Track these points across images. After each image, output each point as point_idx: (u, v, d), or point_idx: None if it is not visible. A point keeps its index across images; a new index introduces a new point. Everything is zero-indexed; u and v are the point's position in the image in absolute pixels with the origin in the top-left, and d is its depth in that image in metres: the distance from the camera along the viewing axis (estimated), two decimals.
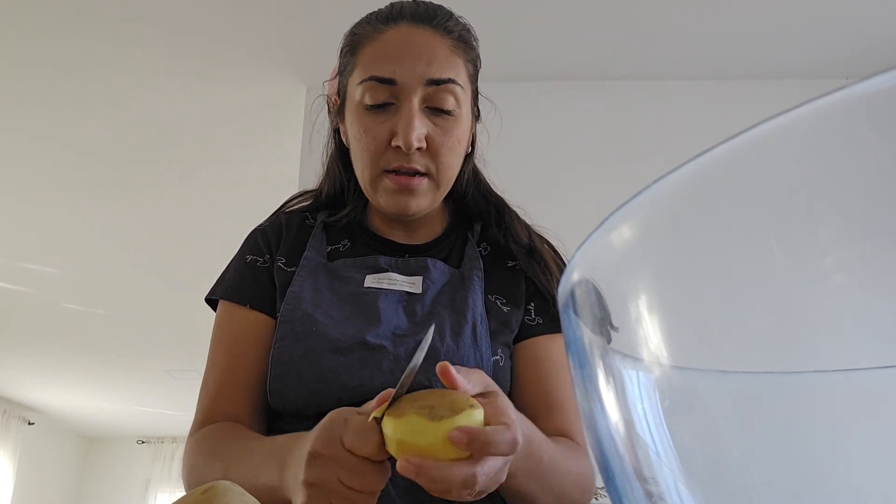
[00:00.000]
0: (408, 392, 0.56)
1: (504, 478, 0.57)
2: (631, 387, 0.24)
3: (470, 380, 0.59)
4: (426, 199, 0.85)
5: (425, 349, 0.55)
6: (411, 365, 0.55)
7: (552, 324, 0.87)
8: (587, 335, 0.25)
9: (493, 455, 0.53)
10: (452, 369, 0.57)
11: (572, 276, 0.26)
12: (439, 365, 0.57)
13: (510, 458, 0.56)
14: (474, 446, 0.51)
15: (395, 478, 0.71)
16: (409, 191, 0.83)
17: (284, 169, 2.70)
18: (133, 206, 3.28)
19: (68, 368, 5.64)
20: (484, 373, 0.63)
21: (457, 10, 0.90)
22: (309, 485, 0.56)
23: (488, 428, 0.53)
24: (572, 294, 0.26)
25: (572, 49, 2.39)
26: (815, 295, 0.21)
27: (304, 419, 0.78)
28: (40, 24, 2.27)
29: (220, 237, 3.50)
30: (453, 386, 0.57)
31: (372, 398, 0.75)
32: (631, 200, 0.23)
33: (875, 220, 0.20)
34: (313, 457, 0.56)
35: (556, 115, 2.46)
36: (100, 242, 3.62)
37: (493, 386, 0.62)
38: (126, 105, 2.64)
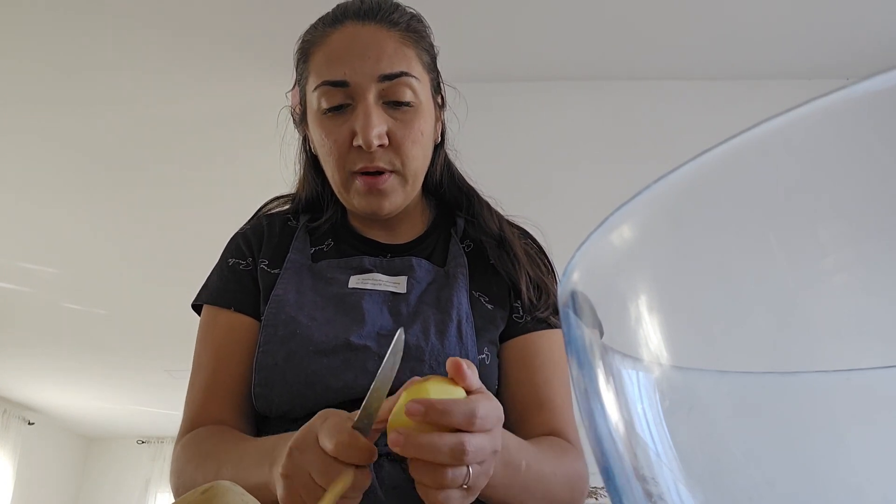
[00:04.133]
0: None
1: (491, 470, 0.57)
2: (631, 387, 0.24)
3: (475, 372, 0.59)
4: (397, 197, 0.85)
5: (399, 354, 0.56)
6: (382, 373, 0.55)
7: (539, 321, 0.86)
8: (587, 335, 0.25)
9: (450, 423, 0.53)
10: (464, 367, 0.57)
11: (572, 276, 0.26)
12: (451, 363, 0.57)
13: (498, 445, 0.57)
14: (431, 415, 0.52)
15: (383, 478, 0.71)
16: (379, 191, 0.83)
17: (285, 170, 2.70)
18: (133, 206, 3.28)
19: (68, 368, 5.64)
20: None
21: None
22: (285, 476, 0.57)
23: (444, 399, 0.54)
24: (572, 294, 0.26)
25: (571, 49, 2.39)
26: (816, 295, 0.21)
27: (291, 421, 0.78)
28: (40, 24, 2.27)
29: (220, 237, 3.48)
30: (463, 380, 0.57)
31: (357, 399, 0.76)
32: (631, 200, 0.23)
33: (875, 220, 0.20)
34: (291, 450, 0.57)
35: (556, 116, 2.47)
36: (100, 242, 3.62)
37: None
38: (126, 105, 2.64)
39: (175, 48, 2.37)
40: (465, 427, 0.54)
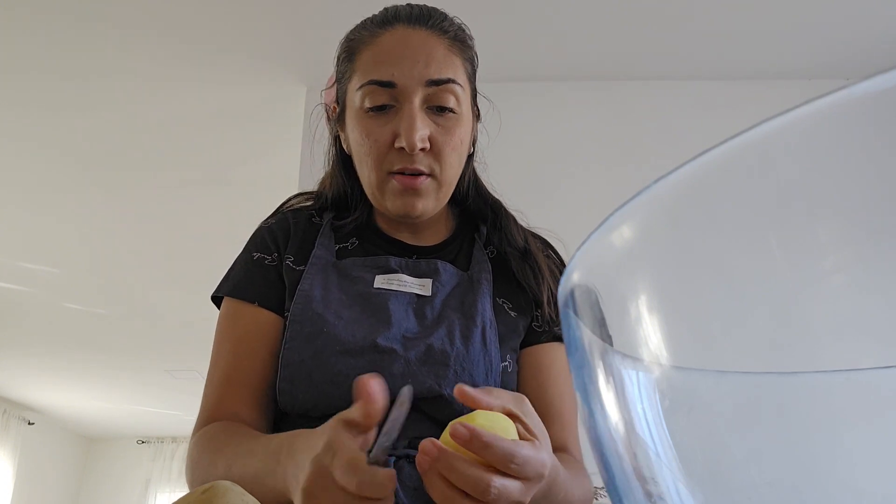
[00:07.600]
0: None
1: (527, 500, 0.56)
2: (631, 387, 0.24)
3: (490, 394, 0.59)
4: (431, 200, 0.85)
5: (405, 408, 0.56)
6: (393, 418, 0.55)
7: (557, 336, 0.87)
8: (587, 335, 0.25)
9: (487, 457, 0.52)
10: (468, 389, 0.57)
11: (572, 276, 0.26)
12: (456, 388, 0.57)
13: (526, 499, 0.55)
14: (474, 443, 0.52)
15: (403, 479, 0.71)
16: (415, 191, 0.83)
17: (285, 169, 2.70)
18: (133, 206, 3.28)
19: (68, 368, 5.64)
20: (508, 392, 0.62)
21: (458, 10, 0.90)
22: None
23: (492, 434, 0.53)
24: (572, 294, 0.26)
25: (572, 49, 2.39)
26: (815, 295, 0.21)
27: (312, 419, 0.78)
28: (40, 27, 2.27)
29: (219, 237, 3.50)
30: (473, 403, 0.57)
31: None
32: (631, 200, 0.23)
33: (875, 220, 0.20)
34: (305, 490, 0.55)
35: (557, 115, 2.46)
36: (100, 243, 3.62)
37: (525, 402, 0.61)
38: (126, 106, 2.64)
39: (174, 48, 2.37)
40: (500, 466, 0.53)
